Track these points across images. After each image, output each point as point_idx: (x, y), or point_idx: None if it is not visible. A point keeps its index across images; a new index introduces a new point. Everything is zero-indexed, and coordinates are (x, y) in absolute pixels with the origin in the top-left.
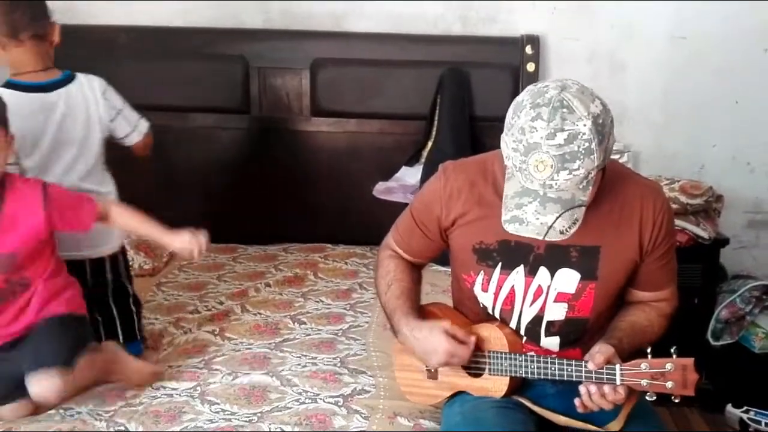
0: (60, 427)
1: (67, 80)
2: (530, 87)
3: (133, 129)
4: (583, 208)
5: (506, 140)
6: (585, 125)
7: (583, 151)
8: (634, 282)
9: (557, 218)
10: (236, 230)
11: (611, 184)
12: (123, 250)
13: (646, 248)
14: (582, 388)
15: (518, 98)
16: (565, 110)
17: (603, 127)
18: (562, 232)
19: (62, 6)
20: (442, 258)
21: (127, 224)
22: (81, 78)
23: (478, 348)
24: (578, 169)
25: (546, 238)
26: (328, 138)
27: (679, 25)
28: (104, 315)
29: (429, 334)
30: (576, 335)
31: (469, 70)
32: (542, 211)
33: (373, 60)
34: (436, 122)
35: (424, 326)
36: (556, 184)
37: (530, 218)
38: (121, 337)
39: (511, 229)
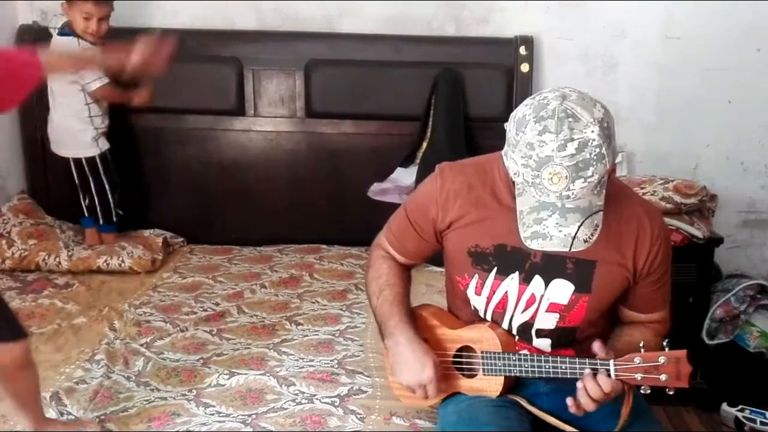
0: None
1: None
2: (528, 101)
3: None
4: (601, 213)
5: (513, 157)
6: (593, 131)
7: (595, 157)
8: (627, 302)
9: (580, 227)
10: (231, 231)
11: (613, 199)
12: (103, 157)
13: (640, 271)
14: (579, 384)
15: (518, 114)
16: (570, 119)
17: (609, 130)
18: (586, 241)
19: (57, 9)
20: (438, 259)
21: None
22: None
23: (471, 349)
24: (592, 175)
25: (572, 250)
26: (323, 139)
27: (672, 25)
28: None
29: (424, 356)
30: (567, 340)
31: (463, 71)
32: (564, 222)
33: (367, 61)
34: (430, 123)
35: (423, 346)
36: (572, 193)
37: (553, 232)
38: (101, 220)
39: (535, 245)
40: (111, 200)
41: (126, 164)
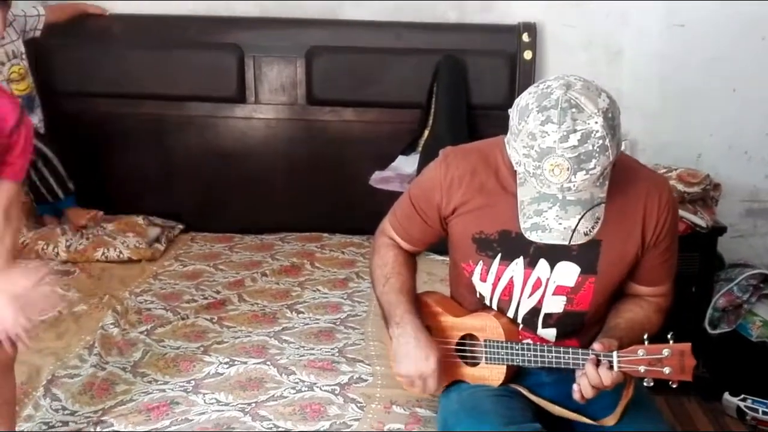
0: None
1: None
2: (531, 89)
3: None
4: (603, 205)
5: (515, 146)
6: (597, 122)
7: (598, 149)
8: (633, 275)
9: (580, 220)
10: (232, 219)
11: (618, 177)
12: None
13: (648, 243)
14: (578, 372)
15: (521, 102)
16: (574, 110)
17: (613, 121)
18: (586, 234)
19: (50, 4)
20: (440, 247)
21: None
22: None
23: (474, 337)
24: (594, 168)
25: (572, 243)
26: (324, 127)
27: (676, 13)
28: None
29: (428, 349)
30: (573, 327)
31: (465, 58)
32: (564, 215)
33: (369, 48)
34: (432, 111)
35: (429, 340)
36: (574, 185)
37: (552, 224)
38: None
39: (534, 237)
40: (58, 167)
41: (127, 151)
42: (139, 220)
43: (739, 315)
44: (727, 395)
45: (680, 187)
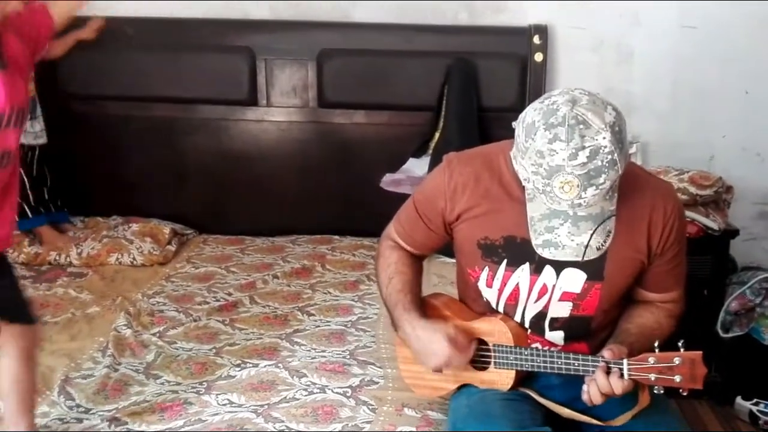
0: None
1: None
2: (536, 105)
3: None
4: (614, 218)
5: (522, 163)
6: (605, 138)
7: (607, 164)
8: (642, 282)
9: (592, 235)
10: (244, 222)
11: (624, 184)
12: None
13: (655, 251)
14: (588, 378)
15: (527, 119)
16: (581, 126)
17: (620, 134)
18: (598, 248)
19: None
20: (450, 250)
21: None
22: None
23: (483, 342)
24: (604, 182)
25: (585, 258)
26: (335, 129)
27: (688, 14)
28: None
29: (432, 336)
30: (581, 331)
31: (476, 61)
32: (576, 231)
33: (380, 51)
34: (443, 113)
35: (427, 327)
36: (584, 201)
37: (565, 241)
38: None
39: (547, 254)
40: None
41: (139, 154)
42: (165, 229)
43: (751, 318)
44: (739, 399)
45: (692, 189)
